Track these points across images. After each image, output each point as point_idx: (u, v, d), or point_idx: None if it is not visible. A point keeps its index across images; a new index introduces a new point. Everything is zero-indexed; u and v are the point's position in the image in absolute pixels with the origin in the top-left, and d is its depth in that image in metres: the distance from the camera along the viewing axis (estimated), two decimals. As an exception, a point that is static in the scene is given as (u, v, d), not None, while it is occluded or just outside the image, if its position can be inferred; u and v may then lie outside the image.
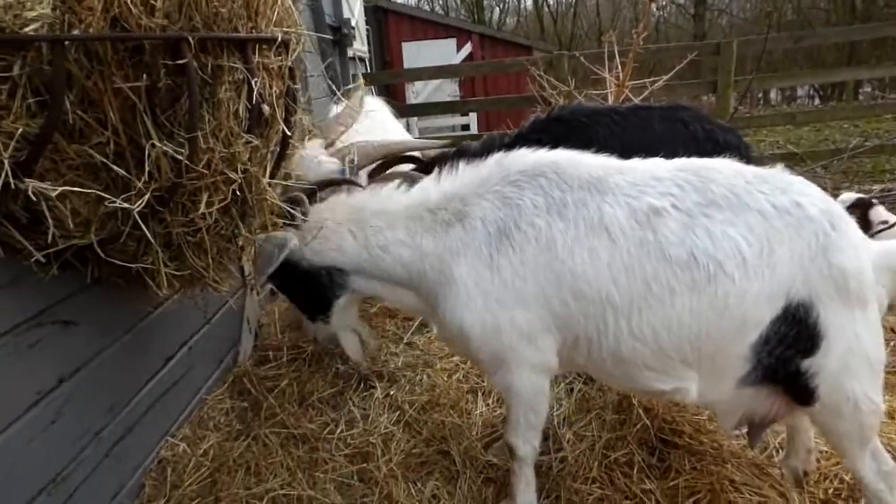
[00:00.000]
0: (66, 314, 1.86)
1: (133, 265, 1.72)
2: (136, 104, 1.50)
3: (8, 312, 1.68)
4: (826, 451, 2.36)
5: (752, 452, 2.40)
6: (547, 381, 1.96)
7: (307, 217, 2.01)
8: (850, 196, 3.33)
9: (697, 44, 7.56)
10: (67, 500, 1.86)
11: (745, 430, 2.17)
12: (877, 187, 6.78)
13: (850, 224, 1.73)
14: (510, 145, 3.04)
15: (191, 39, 1.46)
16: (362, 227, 1.97)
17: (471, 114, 11.05)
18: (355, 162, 2.60)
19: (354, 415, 2.71)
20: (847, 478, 2.25)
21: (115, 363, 2.11)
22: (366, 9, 9.91)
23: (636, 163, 1.88)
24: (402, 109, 8.93)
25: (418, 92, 11.36)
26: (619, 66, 4.48)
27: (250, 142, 1.70)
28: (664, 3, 23.36)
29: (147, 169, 1.50)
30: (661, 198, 1.71)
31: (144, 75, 1.49)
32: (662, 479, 2.32)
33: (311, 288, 2.08)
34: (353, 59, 7.18)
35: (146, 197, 1.50)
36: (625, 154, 2.73)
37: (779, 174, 1.77)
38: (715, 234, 1.66)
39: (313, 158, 2.61)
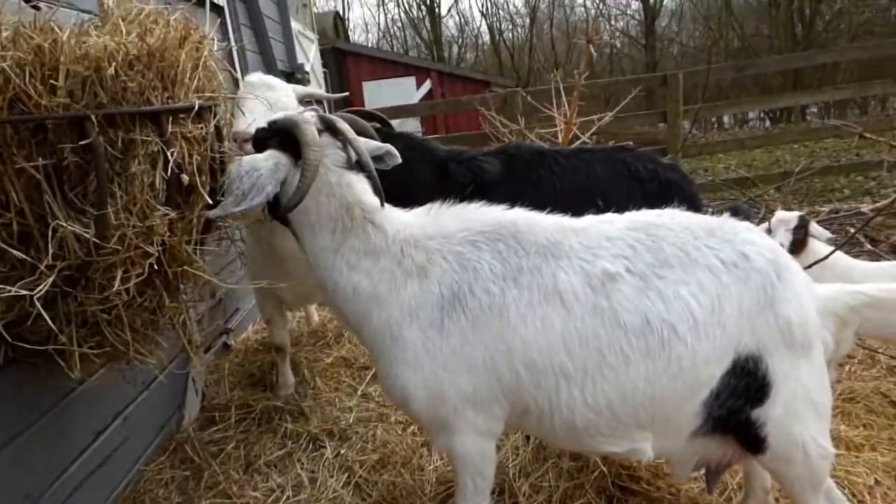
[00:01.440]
0: (-27, 401, 1.75)
1: (44, 347, 1.63)
2: (41, 184, 1.45)
3: None
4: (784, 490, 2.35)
5: (710, 497, 2.38)
6: (492, 445, 1.90)
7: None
8: (788, 215, 3.38)
9: (645, 76, 7.83)
10: None
11: (702, 472, 2.16)
12: (826, 207, 7.02)
13: (795, 271, 1.74)
14: (468, 160, 3.07)
15: (94, 117, 1.41)
16: (347, 233, 1.82)
17: (433, 149, 11.18)
18: None
19: (302, 479, 2.61)
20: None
21: (33, 446, 1.99)
22: (324, 51, 10.01)
23: (590, 221, 1.85)
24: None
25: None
26: (567, 104, 4.58)
27: (167, 214, 1.65)
28: (617, 34, 24.26)
29: (51, 250, 1.44)
30: (615, 261, 1.69)
31: (49, 154, 1.45)
32: (621, 527, 2.28)
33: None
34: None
35: (49, 280, 1.43)
36: (570, 197, 2.77)
37: (725, 223, 1.77)
38: (668, 297, 1.65)
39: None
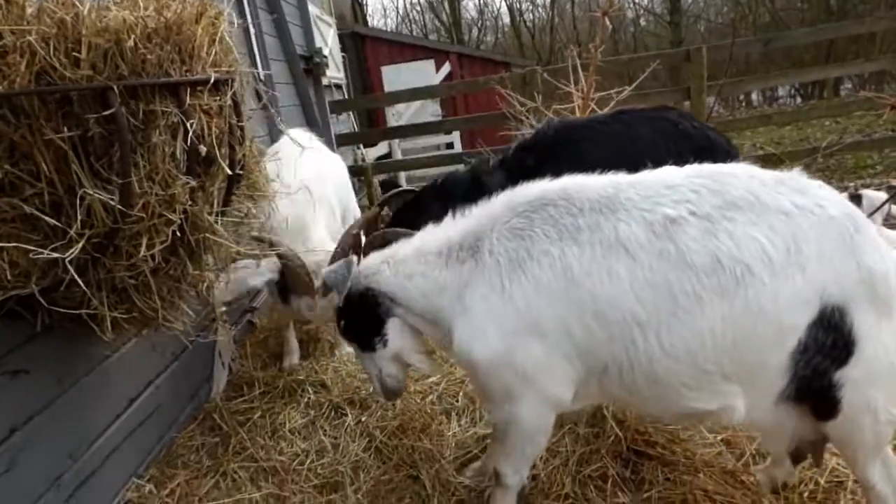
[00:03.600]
0: (15, 364, 1.86)
1: (78, 311, 1.73)
2: (68, 154, 1.53)
3: (-48, 366, 1.68)
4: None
5: (726, 461, 2.39)
6: (553, 417, 1.91)
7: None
8: (875, 194, 3.23)
9: (669, 51, 7.63)
10: (27, 548, 1.85)
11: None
12: (856, 183, 6.83)
13: (872, 228, 1.68)
14: (495, 169, 3.09)
15: (115, 88, 1.48)
16: (396, 260, 2.02)
17: (454, 132, 11.16)
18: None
19: (325, 444, 2.71)
20: (822, 481, 2.24)
21: (72, 409, 2.11)
22: (342, 36, 10.05)
23: (647, 174, 1.83)
24: (382, 133, 9.05)
25: (400, 114, 11.45)
26: (584, 80, 4.55)
27: (188, 183, 1.72)
28: (641, 12, 23.72)
29: (79, 217, 1.52)
30: (677, 206, 1.67)
31: (75, 126, 1.52)
32: (637, 491, 2.31)
33: (362, 310, 2.07)
34: (328, 86, 7.27)
35: (80, 245, 1.52)
36: (616, 162, 2.74)
37: (796, 177, 1.72)
38: (738, 237, 1.60)
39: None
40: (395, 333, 2.05)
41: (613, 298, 1.66)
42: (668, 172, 1.80)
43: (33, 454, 1.93)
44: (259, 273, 2.77)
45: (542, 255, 1.73)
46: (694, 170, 1.77)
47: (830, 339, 1.60)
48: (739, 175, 1.71)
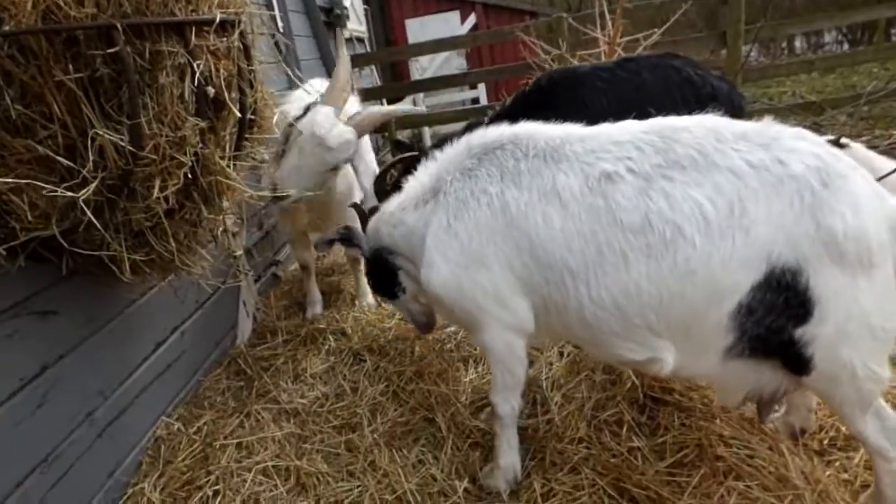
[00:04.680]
0: (43, 305, 1.94)
1: (98, 254, 1.78)
2: (78, 95, 1.54)
3: (-20, 306, 1.76)
4: (823, 403, 2.31)
5: (742, 408, 2.37)
6: (521, 342, 1.98)
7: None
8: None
9: (704, -6, 7.19)
10: (62, 477, 1.97)
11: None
12: (898, 133, 6.46)
13: (854, 181, 1.55)
14: (491, 121, 3.05)
15: (119, 26, 1.48)
16: (386, 215, 2.22)
17: (479, 86, 10.89)
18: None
19: (344, 388, 2.79)
20: (843, 428, 2.21)
21: (101, 350, 2.21)
22: (364, -12, 9.80)
23: (602, 128, 1.86)
24: (405, 86, 8.88)
25: (424, 68, 11.21)
26: (611, 24, 4.37)
27: (198, 125, 1.73)
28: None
29: (91, 158, 1.55)
30: (616, 162, 1.69)
31: (83, 66, 1.53)
32: (651, 436, 2.32)
33: (377, 267, 2.31)
34: (349, 39, 7.15)
35: (93, 186, 1.55)
36: (618, 109, 2.69)
37: (766, 129, 1.65)
38: (674, 197, 1.59)
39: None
40: (407, 280, 2.25)
41: (546, 243, 1.75)
42: (624, 127, 1.81)
43: (65, 390, 2.03)
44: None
45: (482, 194, 1.86)
46: (648, 125, 1.78)
47: (782, 299, 1.56)
48: (695, 130, 1.67)
